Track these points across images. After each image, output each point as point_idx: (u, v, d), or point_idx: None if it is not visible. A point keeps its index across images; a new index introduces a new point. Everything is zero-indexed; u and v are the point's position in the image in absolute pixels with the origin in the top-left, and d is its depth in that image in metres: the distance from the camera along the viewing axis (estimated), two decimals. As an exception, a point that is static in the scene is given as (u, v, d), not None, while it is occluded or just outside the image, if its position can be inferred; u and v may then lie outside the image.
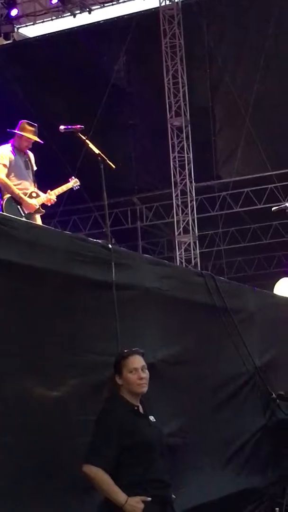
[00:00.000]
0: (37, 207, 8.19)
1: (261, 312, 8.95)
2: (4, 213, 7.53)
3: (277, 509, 8.05)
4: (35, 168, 8.55)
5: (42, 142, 8.44)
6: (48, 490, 5.05)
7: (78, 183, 8.78)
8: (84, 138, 7.59)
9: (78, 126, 7.74)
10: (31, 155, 8.55)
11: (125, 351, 5.09)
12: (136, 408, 4.95)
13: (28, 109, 18.01)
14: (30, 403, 5.08)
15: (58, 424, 5.23)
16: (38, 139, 8.40)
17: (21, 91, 20.14)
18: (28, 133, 8.32)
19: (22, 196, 8.06)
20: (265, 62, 18.74)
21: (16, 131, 8.36)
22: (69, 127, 7.78)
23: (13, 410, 4.90)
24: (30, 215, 8.15)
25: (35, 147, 8.62)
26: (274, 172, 19.01)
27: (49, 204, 8.51)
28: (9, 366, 4.93)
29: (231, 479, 7.66)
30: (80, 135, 7.64)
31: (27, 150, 8.48)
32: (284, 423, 8.66)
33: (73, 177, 8.86)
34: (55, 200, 8.52)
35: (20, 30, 22.33)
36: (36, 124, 8.47)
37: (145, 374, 4.99)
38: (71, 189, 8.83)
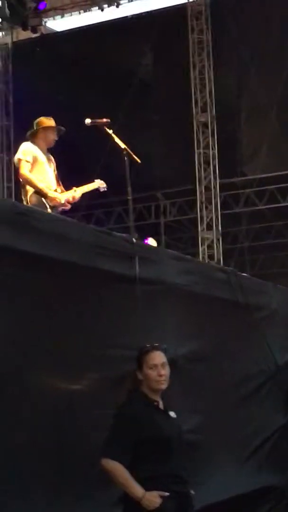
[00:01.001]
0: (62, 201, 8.17)
1: (284, 310, 8.91)
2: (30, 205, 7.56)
3: (295, 507, 8.01)
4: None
5: (63, 128, 8.38)
6: (69, 482, 5.05)
7: (105, 185, 8.69)
8: (110, 132, 7.58)
9: (105, 119, 7.73)
10: (52, 158, 8.51)
11: (147, 346, 5.08)
12: (155, 403, 4.94)
13: (53, 103, 18.02)
14: (51, 396, 5.09)
15: (79, 417, 5.23)
16: (60, 127, 8.35)
17: (47, 85, 20.13)
18: (49, 123, 8.29)
19: (47, 190, 8.05)
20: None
21: (37, 128, 8.28)
22: (96, 120, 7.77)
23: (35, 402, 4.91)
24: (54, 209, 8.14)
25: (60, 144, 8.59)
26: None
27: (73, 201, 8.47)
28: (30, 358, 4.94)
29: (250, 477, 7.65)
30: (106, 129, 7.63)
31: (48, 153, 8.41)
32: (304, 422, 8.62)
33: (98, 179, 8.80)
34: (79, 198, 8.47)
35: (48, 24, 22.33)
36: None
37: (165, 371, 4.98)
38: (97, 189, 8.76)
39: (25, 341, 4.94)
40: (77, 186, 8.49)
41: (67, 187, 8.42)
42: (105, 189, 8.67)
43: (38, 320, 5.07)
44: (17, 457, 4.70)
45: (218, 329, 7.42)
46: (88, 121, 7.80)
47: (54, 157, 8.38)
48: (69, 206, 8.33)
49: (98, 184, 8.66)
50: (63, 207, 8.27)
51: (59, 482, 5.01)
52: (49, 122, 8.27)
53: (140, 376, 4.94)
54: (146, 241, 13.48)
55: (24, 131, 8.36)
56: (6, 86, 21.24)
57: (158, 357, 4.97)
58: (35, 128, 8.22)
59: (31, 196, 7.94)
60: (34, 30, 20.65)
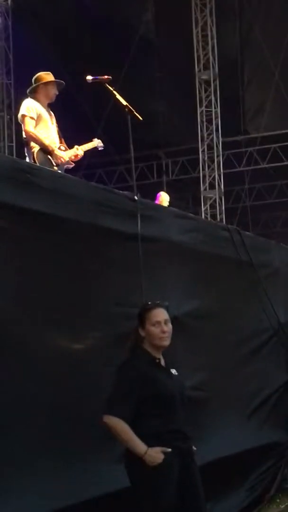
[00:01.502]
0: (67, 159, 8.13)
1: (286, 268, 8.90)
2: (36, 163, 7.50)
3: (298, 463, 8.07)
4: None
5: (63, 82, 8.30)
6: (71, 440, 5.08)
7: (102, 144, 8.70)
8: (111, 89, 7.50)
9: (106, 76, 7.64)
10: (53, 114, 8.44)
11: (149, 303, 5.08)
12: (157, 360, 4.95)
13: (54, 60, 17.84)
14: (55, 354, 5.09)
15: (83, 374, 5.24)
16: (60, 81, 8.28)
17: (47, 42, 19.91)
18: (49, 77, 8.21)
19: (53, 147, 8.00)
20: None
21: (37, 84, 8.20)
22: (97, 77, 7.68)
23: (39, 360, 4.91)
24: (59, 167, 8.10)
25: (60, 101, 8.51)
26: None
27: (76, 159, 8.45)
28: (34, 317, 4.94)
29: (253, 433, 7.70)
30: (108, 85, 7.54)
31: (49, 109, 8.34)
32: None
33: (95, 138, 8.80)
34: (82, 155, 8.46)
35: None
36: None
37: (168, 328, 4.98)
38: (95, 147, 8.77)
39: (26, 299, 4.93)
40: (79, 144, 8.46)
41: (69, 146, 8.38)
42: (103, 148, 8.67)
43: (39, 278, 5.04)
44: (19, 417, 4.71)
45: (221, 287, 7.41)
46: (89, 77, 7.71)
47: (55, 114, 8.32)
48: (73, 164, 8.31)
49: (96, 143, 8.65)
50: (68, 165, 8.25)
51: (61, 440, 5.03)
52: (48, 76, 8.19)
53: (143, 333, 4.94)
54: (158, 195, 13.52)
55: (25, 89, 8.27)
56: (6, 43, 21.01)
57: (161, 314, 4.97)
58: (34, 84, 8.14)
59: (37, 153, 7.88)
60: (34, -14, 20.41)
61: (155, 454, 4.65)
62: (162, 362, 4.98)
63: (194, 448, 4.98)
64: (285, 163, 19.52)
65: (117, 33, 19.81)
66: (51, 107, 8.36)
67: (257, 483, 7.57)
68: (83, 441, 5.16)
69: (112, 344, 5.47)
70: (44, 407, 4.91)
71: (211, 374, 6.93)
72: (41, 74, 8.21)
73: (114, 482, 5.15)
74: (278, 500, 7.69)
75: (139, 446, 4.65)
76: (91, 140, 8.68)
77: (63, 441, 5.03)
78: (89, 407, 5.14)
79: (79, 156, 8.35)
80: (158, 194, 13.83)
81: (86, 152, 8.55)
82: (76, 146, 8.37)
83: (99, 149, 8.71)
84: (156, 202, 13.14)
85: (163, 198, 13.53)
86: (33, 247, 5.01)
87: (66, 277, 5.26)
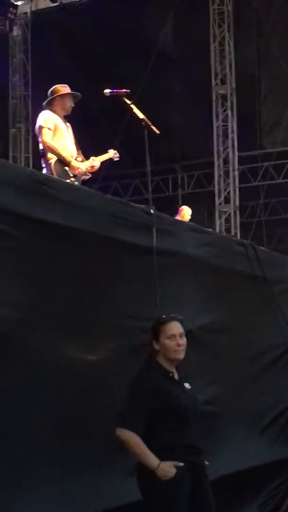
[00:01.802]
0: (84, 170, 8.17)
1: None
2: (53, 175, 7.54)
3: (310, 481, 8.02)
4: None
5: (79, 94, 8.35)
6: (83, 452, 5.08)
7: (118, 155, 8.75)
8: (129, 102, 7.53)
9: (124, 90, 7.68)
10: (69, 125, 8.49)
11: (164, 316, 5.08)
12: (171, 374, 4.94)
13: (72, 73, 17.92)
14: (69, 365, 5.11)
15: (96, 387, 5.25)
16: (76, 93, 8.33)
17: (65, 54, 20.02)
18: (65, 90, 8.26)
19: (70, 158, 8.04)
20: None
21: (54, 96, 8.25)
22: (115, 90, 7.72)
23: (52, 371, 4.93)
24: (77, 178, 8.13)
25: (77, 113, 8.56)
26: None
27: (93, 170, 8.48)
28: (49, 327, 4.95)
29: (265, 449, 7.66)
30: (125, 99, 7.58)
31: (66, 121, 8.39)
32: None
33: (111, 149, 8.84)
34: (99, 165, 8.50)
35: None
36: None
37: (183, 341, 4.98)
38: (111, 159, 8.81)
39: (43, 310, 4.95)
40: (96, 156, 8.51)
41: (86, 158, 8.43)
42: (118, 158, 8.73)
43: (55, 289, 5.07)
44: (31, 428, 4.72)
45: (236, 302, 7.40)
46: (107, 91, 7.75)
47: (72, 126, 8.36)
48: (89, 175, 8.35)
49: (112, 153, 8.69)
50: (85, 176, 8.28)
51: (73, 452, 5.03)
52: (64, 89, 8.25)
53: (157, 347, 4.94)
54: (180, 209, 13.50)
55: (43, 100, 8.33)
56: (25, 55, 21.14)
57: (176, 327, 4.97)
58: (50, 96, 8.19)
59: (54, 164, 7.92)
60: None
61: (168, 468, 4.64)
62: (176, 376, 4.98)
63: (207, 462, 4.97)
64: (301, 178, 19.50)
65: (136, 47, 19.86)
66: (69, 118, 8.41)
67: (269, 498, 7.52)
68: (95, 455, 5.16)
69: (126, 357, 5.47)
70: (57, 418, 4.91)
71: (224, 389, 6.91)
72: (57, 86, 8.27)
73: (126, 495, 5.14)
74: (289, 517, 7.65)
75: (152, 459, 4.64)
76: (106, 151, 8.73)
77: (73, 455, 5.03)
78: (103, 419, 5.14)
79: (95, 167, 8.40)
80: (180, 208, 13.82)
81: (102, 164, 8.60)
82: (92, 158, 8.42)
83: (115, 159, 8.76)
84: (178, 216, 13.17)
85: (185, 212, 13.50)
86: (48, 258, 5.03)
87: (80, 289, 5.28)
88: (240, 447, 7.10)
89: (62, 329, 5.06)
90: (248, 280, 7.74)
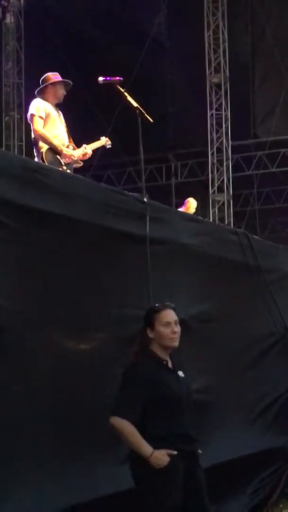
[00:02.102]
0: (76, 158, 8.15)
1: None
2: (44, 163, 7.51)
3: (301, 469, 8.06)
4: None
5: (70, 82, 8.32)
6: (78, 440, 5.09)
7: (110, 142, 8.73)
8: (122, 90, 7.51)
9: (117, 78, 7.65)
10: (60, 113, 8.46)
11: (157, 305, 5.07)
12: (165, 362, 4.94)
13: (65, 60, 17.86)
14: (62, 355, 5.10)
15: (89, 376, 5.25)
16: (68, 81, 8.30)
17: (58, 42, 19.95)
18: (56, 78, 8.24)
19: (62, 146, 8.01)
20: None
21: (46, 84, 8.22)
22: (108, 78, 7.69)
23: (44, 361, 4.92)
24: (68, 166, 8.11)
25: (70, 102, 8.52)
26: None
27: (85, 158, 8.47)
28: (41, 317, 4.94)
29: (258, 438, 7.69)
30: (119, 87, 7.55)
31: (58, 109, 8.36)
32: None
33: (103, 136, 8.82)
34: (91, 154, 8.48)
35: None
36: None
37: (178, 329, 4.98)
38: (104, 146, 8.79)
39: (35, 299, 4.94)
40: (87, 144, 8.49)
41: (78, 146, 8.40)
42: (110, 146, 8.69)
43: (47, 278, 5.05)
44: (25, 418, 4.72)
45: (229, 291, 7.41)
46: (100, 79, 7.72)
47: (65, 115, 8.33)
48: (81, 163, 8.33)
49: (104, 141, 8.67)
50: (76, 164, 8.26)
51: (68, 440, 5.04)
52: (55, 77, 8.23)
53: (151, 335, 4.92)
54: (186, 201, 13.53)
55: (36, 88, 8.30)
56: (18, 42, 21.04)
57: (171, 315, 4.97)
58: (42, 84, 8.17)
59: (46, 153, 7.89)
60: (46, -14, 20.45)
61: (161, 457, 4.64)
62: (170, 364, 4.98)
63: (200, 451, 4.97)
64: (294, 167, 19.52)
65: (129, 35, 19.83)
66: (61, 107, 8.38)
67: (260, 487, 7.55)
68: (88, 443, 5.16)
69: (119, 346, 5.47)
70: (51, 407, 4.92)
71: (217, 378, 6.92)
72: (48, 74, 8.25)
73: (119, 482, 5.15)
74: (281, 505, 7.67)
75: (145, 448, 4.64)
76: (99, 139, 8.71)
77: (67, 443, 5.04)
78: (95, 408, 5.14)
79: (88, 155, 8.38)
80: (186, 201, 13.85)
81: (95, 153, 8.57)
82: (84, 145, 8.39)
83: (107, 147, 8.73)
84: (183, 208, 13.22)
85: (191, 204, 13.54)
86: (40, 246, 5.01)
87: (73, 277, 5.26)
88: (232, 436, 7.12)
89: (56, 319, 5.05)
90: (241, 269, 7.75)
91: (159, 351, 4.92)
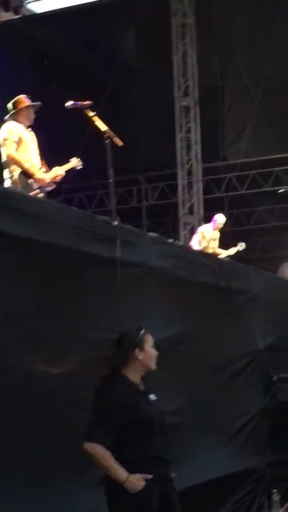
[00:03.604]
0: (48, 181, 8.15)
1: (265, 295, 8.93)
2: (15, 188, 7.51)
3: (275, 490, 8.06)
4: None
5: (40, 103, 8.34)
6: (51, 464, 5.05)
7: (81, 163, 8.75)
8: (91, 114, 7.53)
9: (86, 102, 7.68)
10: (33, 134, 8.48)
11: (139, 327, 5.07)
12: (137, 385, 4.93)
13: (34, 86, 17.87)
14: (32, 378, 5.08)
15: (60, 399, 5.22)
16: (38, 103, 8.34)
17: (28, 67, 19.99)
18: (28, 101, 8.27)
19: (34, 170, 8.02)
20: (277, 42, 18.58)
21: (19, 107, 8.24)
22: (76, 103, 7.72)
23: (15, 384, 4.89)
24: (41, 189, 8.12)
25: (41, 125, 8.54)
26: (281, 155, 18.93)
27: (58, 180, 8.47)
28: (12, 340, 4.92)
29: (231, 459, 7.69)
30: (88, 111, 7.58)
31: (30, 131, 8.39)
32: (283, 406, 8.66)
33: (74, 158, 8.85)
34: (64, 174, 8.49)
35: (28, 6, 22.16)
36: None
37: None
38: (75, 168, 8.81)
39: (5, 322, 4.91)
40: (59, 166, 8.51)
41: (50, 168, 8.42)
42: (82, 166, 8.70)
43: (18, 301, 5.03)
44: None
45: (200, 313, 7.43)
46: (69, 103, 7.75)
47: (37, 137, 8.36)
48: (54, 186, 8.34)
49: (75, 162, 8.69)
50: (49, 187, 8.27)
51: (39, 464, 5.00)
52: (27, 100, 8.26)
53: (141, 356, 4.92)
54: (214, 217, 13.67)
55: (4, 109, 8.30)
56: (-12, 67, 21.01)
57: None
58: (13, 107, 8.18)
59: (18, 176, 7.89)
60: (16, 11, 20.49)
61: (136, 481, 4.62)
62: (142, 387, 4.97)
63: (174, 474, 4.96)
64: (264, 189, 19.62)
65: (99, 58, 19.92)
66: (33, 129, 8.39)
67: (234, 509, 7.54)
68: (60, 467, 5.13)
69: (89, 369, 5.45)
70: (20, 430, 4.88)
71: (189, 400, 6.93)
72: (21, 97, 8.27)
73: (92, 507, 5.12)
74: (255, 527, 7.68)
75: (120, 473, 4.61)
76: (70, 160, 8.73)
77: (38, 467, 5.00)
78: (66, 431, 5.12)
79: (61, 176, 8.39)
80: (214, 219, 13.99)
81: (66, 176, 8.58)
82: (55, 167, 8.41)
83: (78, 168, 8.74)
84: (214, 226, 13.34)
85: (221, 221, 13.63)
86: (10, 271, 5.00)
87: (43, 301, 5.25)
88: (206, 458, 7.11)
89: (25, 341, 5.02)
90: (212, 291, 7.78)
91: (132, 375, 4.90)
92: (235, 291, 8.07)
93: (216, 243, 14.00)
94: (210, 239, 13.86)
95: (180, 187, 19.46)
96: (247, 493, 7.84)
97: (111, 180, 7.20)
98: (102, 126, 7.33)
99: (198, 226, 19.24)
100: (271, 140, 18.71)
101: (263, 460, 8.33)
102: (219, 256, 12.56)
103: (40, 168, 8.18)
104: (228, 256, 12.62)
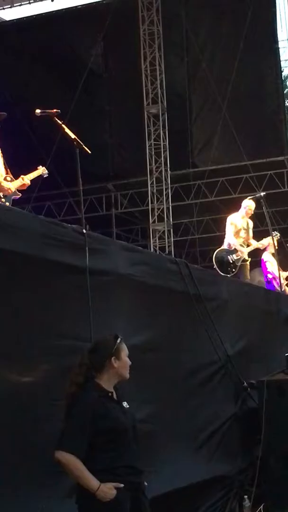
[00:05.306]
0: (13, 190, 8.14)
1: (234, 301, 8.96)
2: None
3: (245, 496, 8.07)
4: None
5: (5, 113, 8.32)
6: (20, 474, 5.02)
7: (46, 171, 8.79)
8: (60, 122, 7.53)
9: (54, 110, 7.67)
10: None
11: (116, 335, 5.06)
12: (110, 394, 4.92)
13: (3, 94, 17.84)
14: (1, 387, 5.04)
15: (30, 409, 5.19)
16: (3, 113, 8.31)
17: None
18: None
19: (-1, 179, 8.01)
20: (242, 51, 18.74)
21: None
22: (45, 111, 7.71)
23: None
24: (7, 198, 8.10)
25: (10, 133, 8.52)
26: (249, 162, 19.06)
27: (23, 189, 8.48)
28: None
29: (202, 466, 7.68)
30: (56, 119, 7.57)
31: None
32: (254, 412, 8.69)
33: (40, 166, 8.88)
34: (29, 184, 8.49)
35: (-2, 13, 22.13)
36: None
37: None
38: (41, 176, 8.84)
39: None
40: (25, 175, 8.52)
41: (16, 177, 8.40)
42: (47, 175, 8.76)
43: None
44: None
45: (170, 320, 7.43)
46: (38, 111, 7.74)
47: (3, 147, 8.32)
48: (20, 195, 8.33)
49: (41, 170, 8.72)
50: (15, 196, 8.26)
51: (8, 473, 4.97)
52: None
53: (116, 364, 4.91)
54: (242, 203, 12.93)
55: None
56: None
57: None
58: None
59: None
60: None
61: (108, 490, 4.60)
62: (115, 396, 4.96)
63: (146, 483, 4.96)
64: (233, 196, 19.72)
65: (67, 66, 19.93)
66: (0, 138, 8.37)
67: (206, 516, 7.54)
68: (30, 476, 5.10)
69: (59, 378, 5.42)
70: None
71: (159, 407, 6.92)
72: None
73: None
74: (226, 534, 7.67)
75: (92, 482, 4.59)
76: (36, 169, 8.74)
77: (7, 476, 4.96)
78: (35, 441, 5.09)
79: (26, 185, 8.40)
80: (242, 206, 12.95)
81: (35, 184, 8.59)
82: (22, 176, 8.41)
83: (44, 176, 8.80)
84: (243, 212, 12.71)
85: (251, 207, 12.78)
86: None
87: (12, 310, 5.22)
88: (176, 465, 7.10)
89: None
90: (182, 298, 7.79)
91: (106, 383, 4.89)
92: (204, 298, 8.09)
93: (249, 233, 12.98)
94: (241, 229, 12.86)
95: (149, 195, 19.50)
96: (219, 500, 7.83)
97: (80, 188, 7.19)
98: (70, 134, 7.32)
99: (168, 233, 19.29)
100: (239, 147, 18.82)
101: (234, 466, 8.34)
102: (249, 248, 12.56)
103: (5, 177, 8.17)
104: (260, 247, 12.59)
